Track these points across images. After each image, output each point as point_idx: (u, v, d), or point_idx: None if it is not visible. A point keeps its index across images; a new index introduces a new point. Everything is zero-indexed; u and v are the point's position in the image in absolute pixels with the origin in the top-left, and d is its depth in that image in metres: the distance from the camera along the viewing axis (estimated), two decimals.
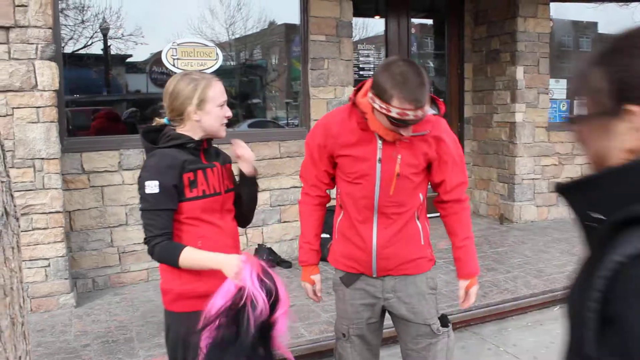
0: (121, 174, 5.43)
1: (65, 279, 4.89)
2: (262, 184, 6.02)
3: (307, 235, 2.71)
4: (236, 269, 2.15)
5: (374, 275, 2.57)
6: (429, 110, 2.35)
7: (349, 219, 2.56)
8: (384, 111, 2.23)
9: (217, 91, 2.36)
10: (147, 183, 2.23)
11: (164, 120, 2.41)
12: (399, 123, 2.24)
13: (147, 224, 2.25)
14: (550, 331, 4.66)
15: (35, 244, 4.79)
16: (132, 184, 5.46)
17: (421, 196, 2.54)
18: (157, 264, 5.60)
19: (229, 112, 2.40)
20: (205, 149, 2.42)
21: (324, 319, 4.55)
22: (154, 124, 2.44)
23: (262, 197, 6.06)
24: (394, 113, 2.20)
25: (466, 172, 2.63)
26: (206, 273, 2.27)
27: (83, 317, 4.73)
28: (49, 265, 4.83)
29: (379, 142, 2.41)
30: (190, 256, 2.24)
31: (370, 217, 2.50)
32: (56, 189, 4.80)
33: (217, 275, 2.21)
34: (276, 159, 6.18)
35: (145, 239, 2.26)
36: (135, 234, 5.50)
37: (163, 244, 2.22)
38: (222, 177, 2.44)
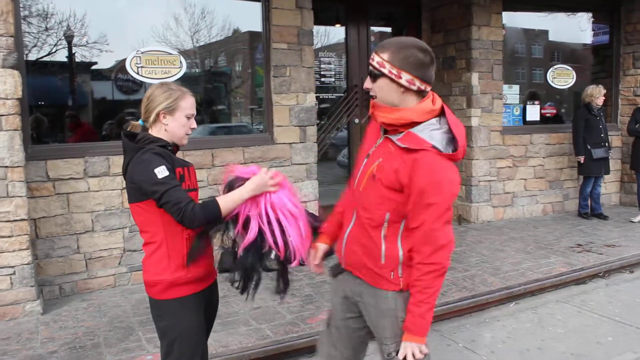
0: (87, 181, 5.34)
1: (31, 286, 4.78)
2: None
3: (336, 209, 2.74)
4: (271, 182, 2.48)
5: (343, 266, 2.52)
6: (427, 134, 2.22)
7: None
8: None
9: (188, 104, 2.57)
10: (156, 170, 2.34)
11: (140, 122, 2.60)
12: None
13: (175, 200, 2.31)
14: (506, 326, 4.74)
15: (0, 252, 4.67)
16: (97, 191, 5.37)
17: (387, 215, 2.28)
18: (124, 269, 5.54)
19: (194, 125, 2.60)
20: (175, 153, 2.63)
21: (288, 320, 4.54)
22: (129, 128, 2.60)
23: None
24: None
25: (438, 220, 2.19)
26: (195, 262, 2.49)
27: (50, 324, 4.63)
28: (14, 273, 4.71)
29: (379, 140, 2.37)
30: (229, 200, 2.39)
31: (353, 208, 2.45)
32: (21, 196, 4.70)
33: (202, 261, 2.52)
34: (240, 165, 6.13)
35: (179, 212, 2.31)
36: (101, 240, 5.42)
37: (198, 205, 2.33)
38: (194, 176, 2.65)
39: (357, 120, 7.81)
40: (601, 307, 5.15)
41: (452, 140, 2.24)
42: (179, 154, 2.67)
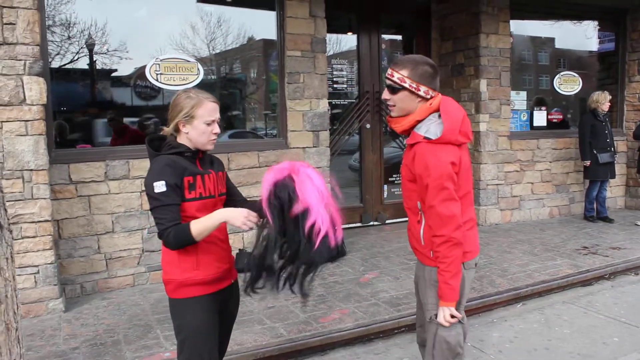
0: (107, 184, 5.39)
1: (54, 285, 4.83)
2: (242, 192, 5.99)
3: None
4: (242, 219, 2.37)
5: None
6: (423, 129, 2.59)
7: None
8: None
9: (207, 110, 2.52)
10: (155, 184, 2.37)
11: (168, 128, 2.60)
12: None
13: (158, 218, 2.38)
14: (514, 327, 4.73)
15: (25, 252, 4.73)
16: (117, 194, 5.43)
17: (419, 204, 2.66)
18: (142, 269, 5.58)
19: (217, 129, 2.56)
20: (200, 158, 2.60)
21: (302, 319, 4.56)
22: (161, 132, 2.62)
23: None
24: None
25: (434, 198, 2.51)
26: (203, 262, 2.53)
27: (72, 321, 4.68)
28: (38, 272, 4.77)
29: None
30: (199, 225, 2.39)
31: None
32: (44, 198, 4.75)
33: (213, 264, 2.55)
34: (255, 168, 6.18)
35: (159, 233, 2.38)
36: (121, 240, 5.47)
37: (174, 229, 2.36)
38: (216, 182, 2.62)
39: (368, 126, 7.83)
40: (607, 308, 5.13)
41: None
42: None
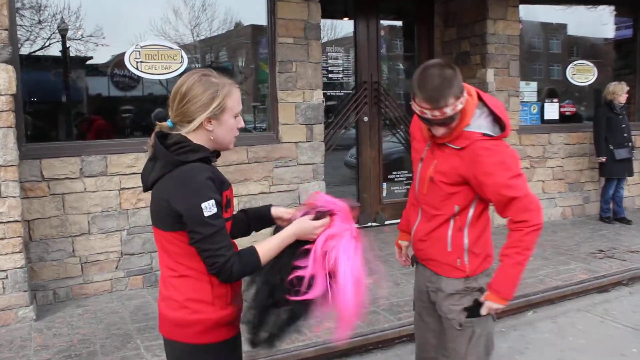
0: (83, 181, 5.37)
1: (24, 291, 4.81)
2: None
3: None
4: (316, 231, 2.22)
5: (417, 260, 2.92)
6: (475, 126, 2.54)
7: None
8: (413, 107, 2.52)
9: (236, 100, 2.19)
10: (204, 205, 2.01)
11: (168, 123, 2.21)
12: (424, 120, 2.53)
13: (214, 249, 2.03)
14: (524, 336, 4.75)
15: None
16: (94, 192, 5.40)
17: (457, 208, 2.63)
18: (121, 274, 5.56)
19: (242, 123, 2.25)
20: None
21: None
22: (157, 129, 2.22)
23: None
24: (417, 109, 2.50)
25: (521, 189, 2.52)
26: (235, 293, 2.22)
27: (43, 330, 4.66)
28: (6, 277, 4.74)
29: (429, 143, 2.72)
30: (268, 247, 2.16)
31: (417, 207, 2.83)
32: (14, 197, 4.73)
33: (239, 294, 2.24)
34: (244, 164, 6.18)
35: (214, 267, 2.04)
36: (98, 242, 5.45)
37: (236, 259, 2.06)
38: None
39: (366, 119, 7.84)
40: (625, 316, 5.15)
41: (496, 120, 2.57)
42: None
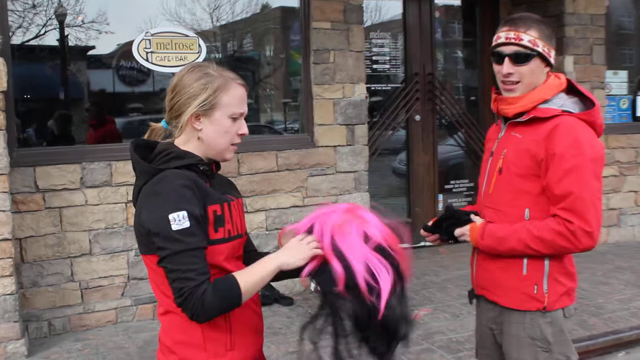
0: (84, 192, 5.43)
1: (15, 321, 4.87)
2: (256, 202, 6.04)
3: None
4: (306, 252, 2.12)
5: (476, 291, 2.84)
6: (556, 104, 2.57)
7: None
8: (490, 49, 2.68)
9: (235, 97, 2.15)
10: (171, 217, 1.96)
11: (162, 124, 2.25)
12: (496, 57, 2.62)
13: (183, 270, 1.96)
14: None
15: None
16: (97, 205, 5.46)
17: (527, 212, 2.57)
18: (128, 302, 5.61)
19: (244, 129, 2.20)
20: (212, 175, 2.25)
21: None
22: (147, 134, 2.27)
23: (257, 219, 6.07)
24: (493, 42, 2.64)
25: (587, 189, 2.47)
26: (239, 338, 2.17)
27: None
28: None
29: (500, 134, 2.75)
30: (249, 275, 2.06)
31: (482, 217, 2.77)
32: (4, 211, 4.79)
33: (250, 339, 2.21)
34: (272, 173, 6.19)
35: (180, 292, 1.96)
36: (101, 265, 5.50)
37: (210, 288, 1.97)
38: (241, 214, 2.28)
39: (418, 117, 7.80)
40: None
41: (586, 105, 2.61)
42: None
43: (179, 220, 1.96)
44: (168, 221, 1.96)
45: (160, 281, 2.09)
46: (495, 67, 2.64)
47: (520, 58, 2.55)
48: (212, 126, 2.13)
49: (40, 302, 5.35)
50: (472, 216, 2.73)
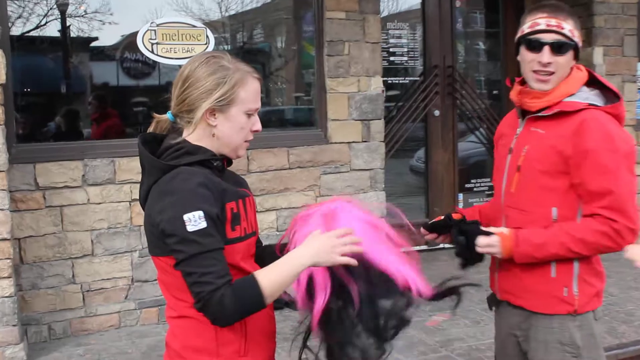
0: (86, 190, 5.45)
1: (13, 325, 4.88)
2: (266, 202, 6.04)
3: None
4: (339, 248, 2.07)
5: (497, 296, 2.81)
6: (581, 97, 2.58)
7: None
8: (519, 35, 2.63)
9: (252, 92, 2.16)
10: (186, 217, 1.95)
11: (167, 116, 2.25)
12: (533, 45, 2.57)
13: (201, 273, 1.95)
14: None
15: None
16: (99, 204, 5.48)
17: (554, 211, 2.56)
18: (132, 305, 5.63)
19: (258, 125, 2.22)
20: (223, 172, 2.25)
21: None
22: (152, 127, 2.28)
23: (268, 219, 6.07)
24: (525, 29, 2.60)
25: (625, 185, 2.48)
26: (253, 344, 2.17)
27: None
28: None
29: (518, 129, 2.73)
30: (272, 283, 2.01)
31: (499, 220, 2.76)
32: (2, 210, 4.81)
33: (263, 345, 2.22)
34: (284, 170, 6.19)
35: (198, 297, 1.96)
36: (103, 266, 5.52)
37: (229, 292, 1.95)
38: (254, 210, 2.31)
39: (437, 112, 7.77)
40: None
41: (608, 97, 2.61)
42: None
43: (195, 220, 1.95)
44: (183, 222, 1.95)
45: (173, 284, 2.10)
46: (529, 56, 2.59)
47: (560, 48, 2.55)
48: (228, 122, 2.14)
49: (40, 305, 5.37)
50: (493, 228, 2.65)
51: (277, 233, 6.15)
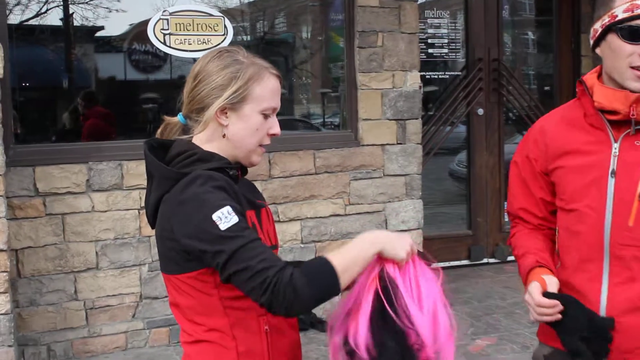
0: (90, 196, 5.47)
1: (9, 346, 4.90)
2: (290, 210, 6.04)
3: (529, 246, 2.56)
4: (407, 247, 2.05)
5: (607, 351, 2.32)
6: None
7: (565, 270, 2.45)
8: (608, 22, 2.27)
9: (268, 89, 2.14)
10: (215, 216, 1.92)
11: (179, 118, 2.25)
12: (635, 33, 2.24)
13: (256, 262, 1.89)
14: None
15: None
16: (105, 211, 5.50)
17: None
18: (140, 325, 5.65)
19: (276, 128, 2.19)
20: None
21: None
22: (160, 130, 2.28)
23: (291, 230, 6.06)
24: (620, 14, 2.24)
25: None
26: (276, 353, 2.14)
27: None
28: None
29: (615, 145, 2.35)
30: (343, 260, 1.97)
31: (597, 264, 2.36)
32: None
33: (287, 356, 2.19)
34: (309, 176, 6.19)
35: (263, 286, 1.88)
36: (108, 281, 5.54)
37: (297, 271, 1.90)
38: (272, 222, 2.29)
39: (481, 111, 7.74)
40: None
41: None
42: None
43: (225, 217, 1.93)
44: (213, 222, 1.92)
45: (190, 307, 2.09)
46: (627, 48, 2.25)
47: None
48: (241, 122, 2.12)
49: (39, 324, 5.39)
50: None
51: (302, 246, 6.14)
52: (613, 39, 2.28)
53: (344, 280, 1.95)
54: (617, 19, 2.24)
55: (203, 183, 1.99)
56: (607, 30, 2.29)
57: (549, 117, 2.60)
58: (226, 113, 2.11)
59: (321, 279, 1.93)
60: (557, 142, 2.46)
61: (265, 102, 2.13)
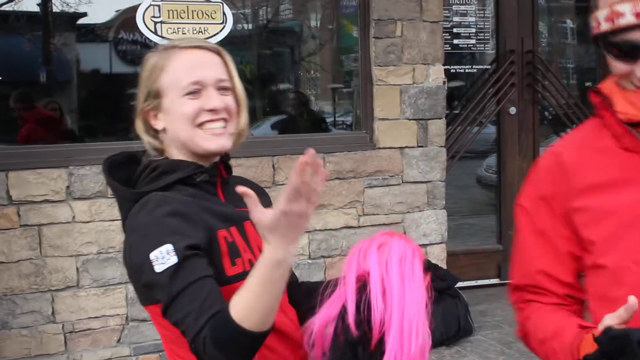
0: (70, 205, 5.48)
1: None
2: None
3: (560, 321, 2.07)
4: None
5: None
6: None
7: None
8: (595, 30, 2.00)
9: (181, 68, 2.13)
10: (152, 256, 1.91)
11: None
12: (622, 50, 1.96)
13: (182, 319, 1.90)
14: None
15: None
16: (87, 222, 5.50)
17: None
18: (126, 351, 5.66)
19: (211, 102, 2.13)
20: (222, 181, 2.25)
21: None
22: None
23: (299, 244, 6.04)
24: (602, 23, 1.94)
25: None
26: None
27: None
28: None
29: None
30: (241, 301, 1.85)
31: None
32: None
33: None
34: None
35: (190, 346, 1.90)
36: (91, 301, 5.53)
37: (208, 334, 1.85)
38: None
39: (513, 110, 7.73)
40: None
41: None
42: None
43: (162, 257, 1.92)
44: (150, 263, 1.92)
45: (165, 335, 2.13)
46: (621, 67, 2.02)
47: None
48: (168, 117, 2.15)
49: (11, 349, 5.40)
50: None
51: (310, 261, 6.14)
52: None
53: (252, 323, 1.85)
54: (601, 29, 1.98)
55: (152, 210, 2.02)
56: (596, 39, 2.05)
57: (564, 144, 2.22)
58: (156, 116, 2.17)
59: (230, 341, 1.86)
60: (580, 172, 2.08)
61: (182, 82, 2.11)
